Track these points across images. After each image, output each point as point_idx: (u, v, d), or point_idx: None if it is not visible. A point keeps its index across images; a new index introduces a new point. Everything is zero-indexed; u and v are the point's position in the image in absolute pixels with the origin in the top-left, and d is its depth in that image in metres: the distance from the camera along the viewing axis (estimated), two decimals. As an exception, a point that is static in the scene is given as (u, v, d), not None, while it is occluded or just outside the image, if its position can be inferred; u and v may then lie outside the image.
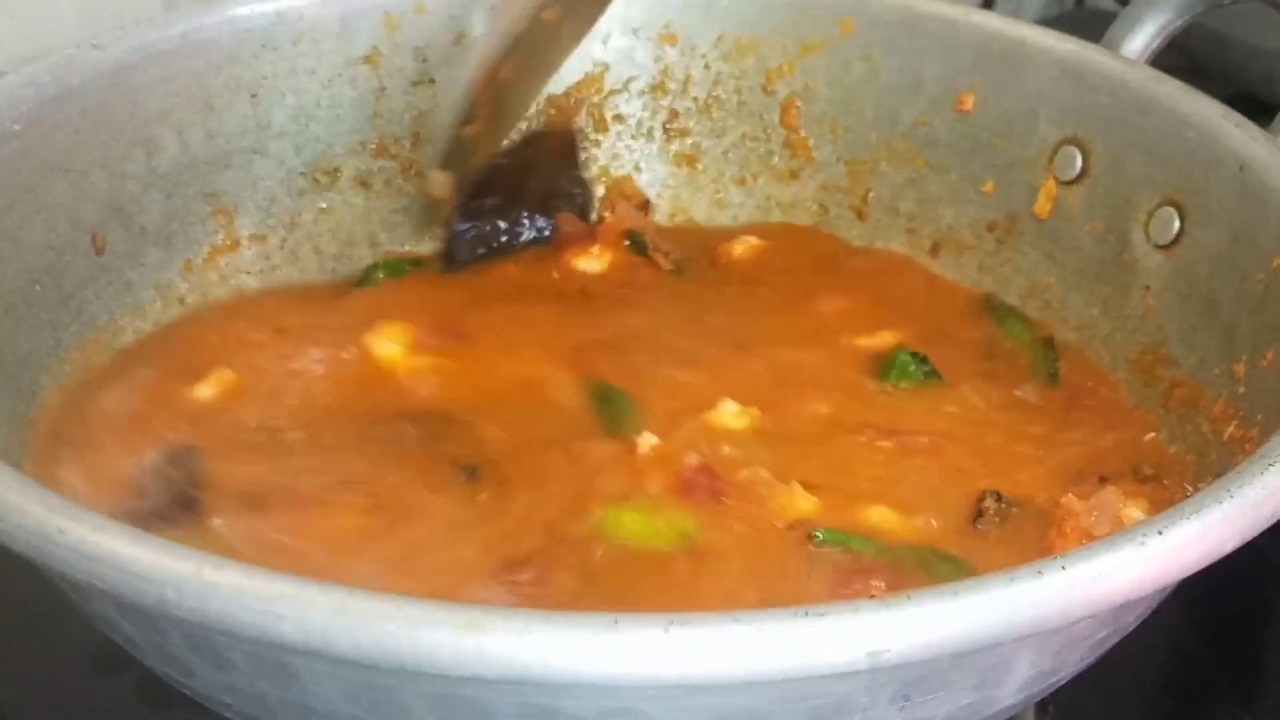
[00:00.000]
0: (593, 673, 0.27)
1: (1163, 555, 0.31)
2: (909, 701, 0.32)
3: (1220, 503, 0.32)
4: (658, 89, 0.64)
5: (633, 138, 0.65)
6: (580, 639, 0.27)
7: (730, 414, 0.49)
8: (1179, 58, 0.56)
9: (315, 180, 0.60)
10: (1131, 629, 0.38)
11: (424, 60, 0.62)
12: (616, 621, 0.27)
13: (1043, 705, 0.49)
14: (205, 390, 0.51)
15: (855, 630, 0.28)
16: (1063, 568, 0.30)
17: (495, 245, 0.60)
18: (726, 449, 0.48)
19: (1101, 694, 0.49)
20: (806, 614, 0.28)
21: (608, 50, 0.64)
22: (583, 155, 0.64)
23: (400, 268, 0.60)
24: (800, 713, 0.31)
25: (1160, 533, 0.31)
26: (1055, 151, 0.57)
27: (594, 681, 0.28)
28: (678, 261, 0.60)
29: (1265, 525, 0.33)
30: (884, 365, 0.53)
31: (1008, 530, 0.45)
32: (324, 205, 0.61)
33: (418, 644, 0.27)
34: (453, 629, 0.27)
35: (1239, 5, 0.55)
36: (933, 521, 0.45)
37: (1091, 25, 0.51)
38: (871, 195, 0.63)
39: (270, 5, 0.58)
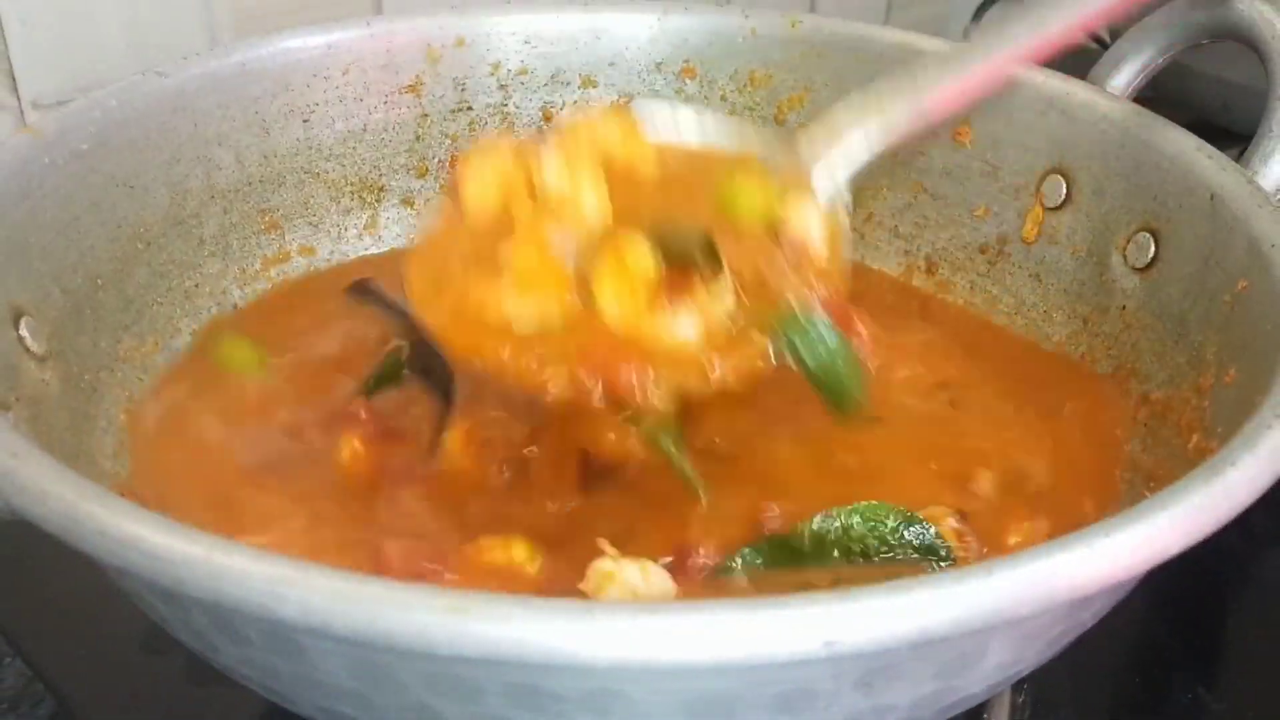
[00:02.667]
0: (567, 656, 0.27)
1: (1110, 556, 0.30)
2: (871, 689, 0.32)
3: (1166, 509, 0.31)
4: (679, 118, 0.64)
5: (656, 163, 0.65)
6: (555, 625, 0.27)
7: None
8: (1147, 88, 0.56)
9: (361, 198, 0.61)
10: (1090, 626, 0.37)
11: (463, 89, 0.62)
12: (590, 609, 0.27)
13: (1018, 684, 0.48)
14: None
15: (812, 621, 0.28)
16: (1013, 566, 0.29)
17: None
18: None
19: (1073, 674, 0.50)
20: (767, 605, 0.28)
21: (634, 83, 0.64)
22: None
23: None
24: (768, 697, 0.31)
25: (1108, 535, 0.30)
26: (1042, 180, 0.56)
27: (568, 664, 0.27)
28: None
29: (1210, 531, 0.32)
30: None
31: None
32: (369, 220, 0.61)
33: (407, 625, 0.27)
34: (438, 612, 0.27)
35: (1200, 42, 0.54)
36: None
37: (1069, 60, 0.50)
38: (873, 218, 0.62)
39: (321, 38, 0.58)
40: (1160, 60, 0.56)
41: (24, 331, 0.43)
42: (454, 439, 0.47)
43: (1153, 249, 0.51)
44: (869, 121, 0.49)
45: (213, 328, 0.54)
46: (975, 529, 0.44)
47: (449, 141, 0.62)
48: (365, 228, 0.61)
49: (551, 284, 0.43)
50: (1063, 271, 0.55)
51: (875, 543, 0.42)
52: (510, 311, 0.42)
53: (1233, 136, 0.52)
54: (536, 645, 0.27)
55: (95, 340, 0.48)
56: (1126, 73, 0.56)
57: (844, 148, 0.49)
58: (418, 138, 0.61)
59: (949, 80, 0.49)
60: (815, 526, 0.42)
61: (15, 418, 0.39)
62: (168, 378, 0.52)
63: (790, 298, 0.43)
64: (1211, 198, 0.48)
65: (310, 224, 0.59)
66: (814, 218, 0.46)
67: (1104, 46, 0.58)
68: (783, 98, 0.63)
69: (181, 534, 0.29)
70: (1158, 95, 0.56)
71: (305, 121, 0.58)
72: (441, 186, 0.62)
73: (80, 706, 0.49)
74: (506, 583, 0.40)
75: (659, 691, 0.30)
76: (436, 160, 0.62)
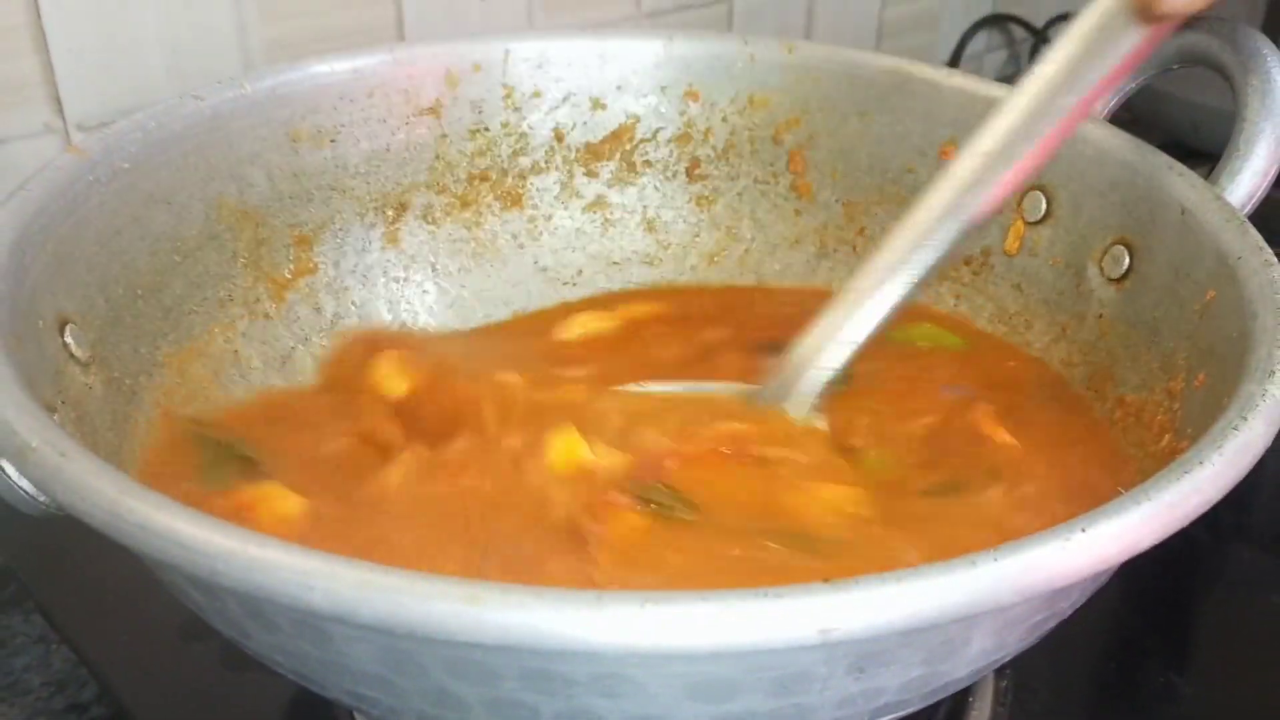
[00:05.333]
0: (577, 642, 0.27)
1: (1085, 550, 0.30)
2: (863, 673, 0.32)
3: (1138, 505, 0.31)
4: (682, 139, 0.64)
5: (660, 180, 0.65)
6: (566, 614, 0.27)
7: None
8: (1122, 110, 0.56)
9: (385, 214, 0.61)
10: (1068, 615, 0.37)
11: (480, 111, 0.62)
12: (599, 598, 0.27)
13: (1000, 669, 0.49)
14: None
15: (808, 610, 0.28)
16: (995, 559, 0.29)
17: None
18: None
19: (1052, 660, 0.50)
20: (766, 594, 0.28)
21: (639, 105, 0.64)
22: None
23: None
24: (766, 680, 0.31)
25: (1083, 530, 0.30)
26: (1023, 196, 0.56)
27: (579, 650, 0.27)
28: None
29: (1180, 526, 0.32)
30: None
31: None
32: (392, 234, 0.61)
33: (427, 614, 0.27)
34: (456, 601, 0.27)
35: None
36: None
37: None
38: (865, 232, 0.62)
39: (347, 64, 0.58)
40: (1134, 85, 0.56)
41: (69, 339, 0.43)
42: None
43: (1127, 261, 0.51)
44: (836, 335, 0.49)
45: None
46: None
47: (467, 160, 0.62)
48: (387, 241, 0.61)
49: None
50: (1042, 282, 0.55)
51: None
52: None
53: (1202, 156, 0.52)
54: (548, 632, 0.27)
55: (135, 347, 0.48)
56: (1102, 96, 0.56)
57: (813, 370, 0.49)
58: (437, 156, 0.61)
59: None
60: None
61: (61, 419, 0.40)
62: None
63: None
64: (1182, 213, 0.48)
65: (336, 237, 0.59)
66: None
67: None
68: (780, 120, 0.63)
69: (217, 528, 0.29)
70: (1132, 117, 0.56)
71: (332, 142, 0.58)
72: (460, 201, 0.62)
73: (122, 689, 0.49)
74: None
75: (664, 675, 0.30)
76: (455, 178, 0.62)
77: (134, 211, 0.49)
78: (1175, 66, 0.54)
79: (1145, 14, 0.45)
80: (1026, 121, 0.46)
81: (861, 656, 0.31)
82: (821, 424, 0.49)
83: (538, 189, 0.64)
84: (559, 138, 0.63)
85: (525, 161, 0.63)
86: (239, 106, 0.54)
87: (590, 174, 0.64)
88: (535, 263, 0.64)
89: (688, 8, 0.89)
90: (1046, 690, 0.50)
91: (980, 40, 1.13)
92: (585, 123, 0.64)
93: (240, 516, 0.42)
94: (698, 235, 0.65)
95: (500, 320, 0.62)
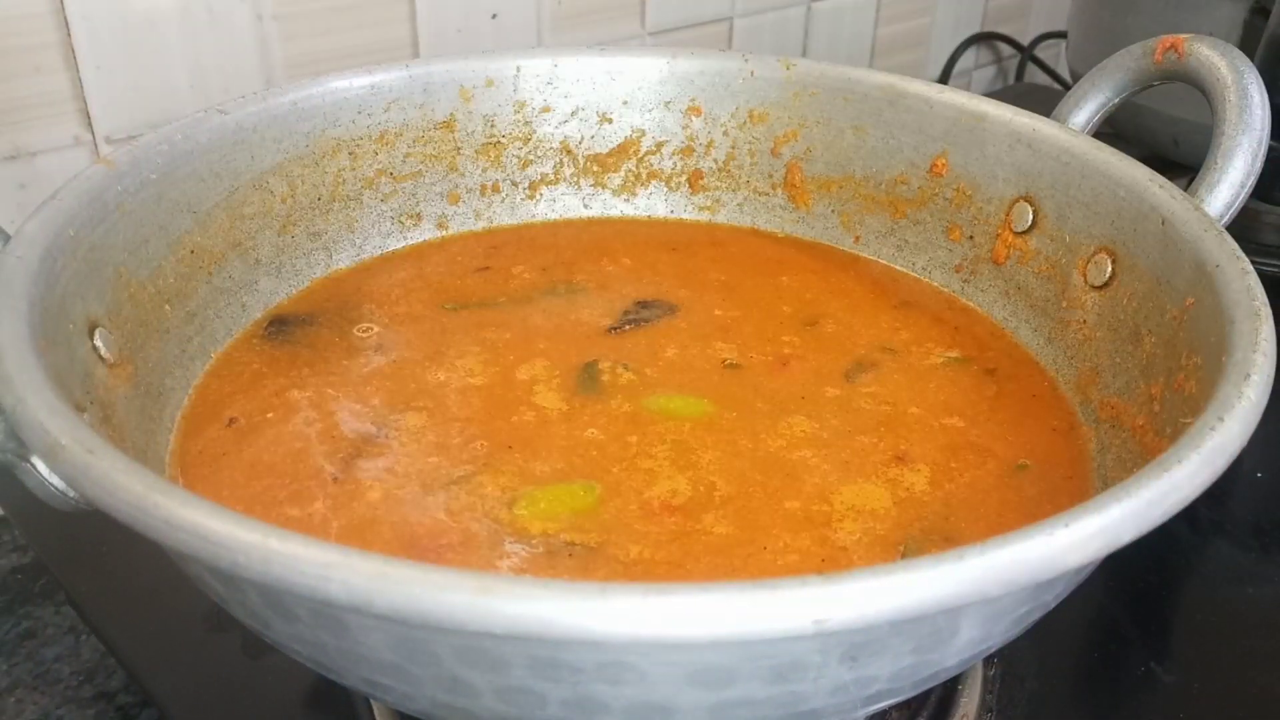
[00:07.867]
0: (583, 631, 0.27)
1: (1067, 546, 0.30)
2: (855, 662, 0.32)
3: (1119, 502, 0.31)
4: (685, 151, 0.64)
5: (665, 191, 0.65)
6: (572, 605, 0.27)
7: None
8: (1105, 124, 0.56)
9: (400, 222, 0.61)
10: (1053, 606, 0.37)
11: (492, 126, 0.62)
12: (604, 590, 0.27)
13: (989, 659, 0.49)
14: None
15: (803, 601, 0.28)
16: (981, 553, 0.29)
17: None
18: None
19: (1038, 650, 0.50)
20: (763, 586, 0.28)
21: (645, 119, 0.64)
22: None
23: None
24: (763, 669, 0.31)
25: (1066, 526, 0.30)
26: (1011, 207, 0.56)
27: (585, 639, 0.27)
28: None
29: (1158, 523, 0.32)
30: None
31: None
32: (407, 241, 0.61)
33: (439, 604, 0.27)
34: (468, 593, 0.27)
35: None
36: None
37: (1030, 97, 0.51)
38: (860, 240, 0.62)
39: (365, 79, 0.58)
40: (1117, 100, 0.56)
41: (98, 341, 0.43)
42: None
43: (1110, 269, 0.51)
44: None
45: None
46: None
47: (480, 173, 0.62)
48: (403, 246, 0.61)
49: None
50: (1029, 289, 0.55)
51: None
52: None
53: (1181, 168, 0.52)
54: (555, 622, 0.27)
55: (161, 349, 0.48)
56: (1087, 111, 0.56)
57: None
58: (451, 168, 0.62)
59: None
60: None
61: (90, 418, 0.40)
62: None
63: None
64: (1163, 223, 0.48)
65: (354, 245, 0.59)
66: None
67: (1066, 88, 0.58)
68: (778, 133, 0.63)
69: (238, 522, 0.29)
70: (1115, 132, 0.57)
71: (350, 154, 0.58)
72: (473, 211, 0.62)
73: (148, 678, 0.49)
74: None
75: (665, 664, 0.30)
76: (467, 189, 0.62)
77: (160, 220, 0.49)
78: (1156, 83, 0.55)
79: None
80: None
81: (854, 645, 0.31)
82: None
83: (548, 199, 0.64)
84: (568, 150, 0.64)
85: (535, 172, 0.63)
86: (261, 120, 0.55)
87: (598, 185, 0.64)
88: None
89: (690, 26, 0.90)
90: (1033, 678, 0.50)
91: (969, 57, 1.13)
92: (593, 136, 0.64)
93: None
94: (700, 244, 0.65)
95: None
